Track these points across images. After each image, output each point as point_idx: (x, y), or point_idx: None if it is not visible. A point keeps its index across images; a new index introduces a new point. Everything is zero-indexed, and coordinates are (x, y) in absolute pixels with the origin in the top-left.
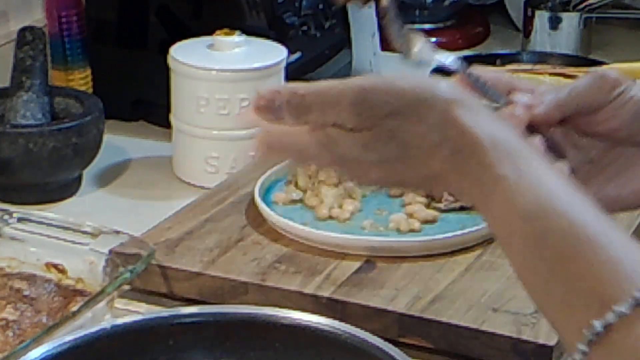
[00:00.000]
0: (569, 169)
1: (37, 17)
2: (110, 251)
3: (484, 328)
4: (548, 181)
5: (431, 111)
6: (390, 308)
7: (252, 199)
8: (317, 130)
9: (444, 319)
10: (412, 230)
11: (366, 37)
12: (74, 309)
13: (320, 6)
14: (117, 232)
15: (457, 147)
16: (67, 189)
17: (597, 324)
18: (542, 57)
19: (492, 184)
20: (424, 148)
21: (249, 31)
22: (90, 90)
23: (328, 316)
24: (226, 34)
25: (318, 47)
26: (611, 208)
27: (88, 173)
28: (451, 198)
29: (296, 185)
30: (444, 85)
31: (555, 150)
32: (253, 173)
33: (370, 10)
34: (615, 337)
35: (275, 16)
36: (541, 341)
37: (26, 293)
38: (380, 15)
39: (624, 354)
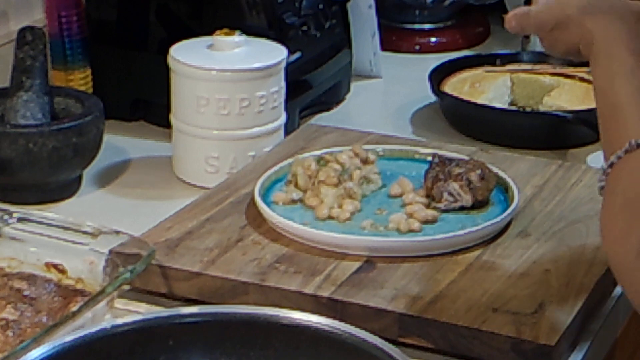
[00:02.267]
0: None
1: (37, 17)
2: (110, 251)
3: (484, 328)
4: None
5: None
6: (390, 308)
7: (252, 199)
8: None
9: (444, 319)
10: (412, 230)
11: (366, 37)
12: (74, 309)
13: (320, 6)
14: (117, 232)
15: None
16: (67, 189)
17: (607, 162)
18: (542, 57)
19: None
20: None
21: (249, 31)
22: (90, 90)
23: (328, 316)
24: (226, 34)
25: (318, 47)
26: None
27: (88, 173)
28: (451, 198)
29: (296, 185)
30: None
31: None
32: (253, 173)
33: (370, 10)
34: (616, 169)
35: (275, 16)
36: (541, 341)
37: (26, 293)
38: None
39: (620, 177)
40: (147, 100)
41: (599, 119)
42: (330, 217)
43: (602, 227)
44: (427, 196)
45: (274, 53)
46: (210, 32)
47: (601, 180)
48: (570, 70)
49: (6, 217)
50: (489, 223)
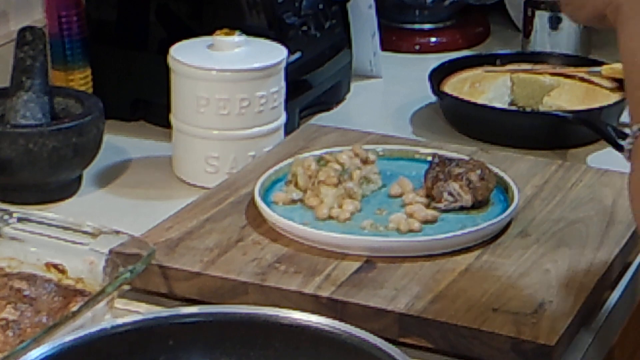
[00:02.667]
0: None
1: (37, 17)
2: (110, 251)
3: (484, 328)
4: None
5: None
6: (390, 308)
7: (252, 199)
8: None
9: (444, 319)
10: (412, 230)
11: (366, 37)
12: (74, 309)
13: (320, 6)
14: (117, 232)
15: None
16: (67, 189)
17: (633, 130)
18: (542, 57)
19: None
20: None
21: (249, 31)
22: (90, 90)
23: (328, 316)
24: (226, 34)
25: (318, 47)
26: None
27: (88, 173)
28: (451, 198)
29: (296, 185)
30: None
31: None
32: (253, 173)
33: (370, 10)
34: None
35: (275, 16)
36: (541, 341)
37: (26, 293)
38: None
39: None
40: (147, 100)
41: (625, 83)
42: (330, 217)
43: (632, 190)
44: (427, 196)
45: (274, 53)
46: (210, 32)
47: (630, 144)
48: (570, 70)
49: (6, 217)
50: (489, 223)
